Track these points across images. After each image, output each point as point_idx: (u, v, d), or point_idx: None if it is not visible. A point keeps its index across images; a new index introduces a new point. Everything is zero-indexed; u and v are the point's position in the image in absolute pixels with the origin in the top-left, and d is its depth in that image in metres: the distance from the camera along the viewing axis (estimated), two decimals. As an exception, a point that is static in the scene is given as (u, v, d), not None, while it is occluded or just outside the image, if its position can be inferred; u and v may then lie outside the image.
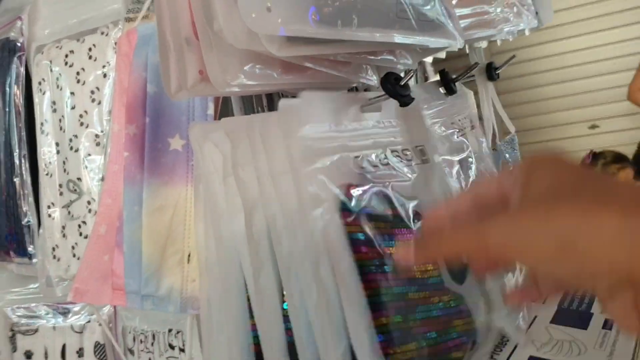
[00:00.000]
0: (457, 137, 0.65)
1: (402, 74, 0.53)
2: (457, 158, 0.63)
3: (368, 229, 0.50)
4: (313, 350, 0.48)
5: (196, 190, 0.53)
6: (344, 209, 0.49)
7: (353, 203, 0.50)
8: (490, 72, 0.84)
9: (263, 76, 0.47)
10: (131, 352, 0.79)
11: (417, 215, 0.56)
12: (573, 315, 0.70)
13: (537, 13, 0.71)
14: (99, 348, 0.83)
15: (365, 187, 0.52)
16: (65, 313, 0.85)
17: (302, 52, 0.45)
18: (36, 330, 0.86)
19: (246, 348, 0.51)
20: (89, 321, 0.84)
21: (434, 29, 0.53)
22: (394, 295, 0.51)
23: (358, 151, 0.53)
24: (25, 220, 0.75)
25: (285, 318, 0.50)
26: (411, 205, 0.56)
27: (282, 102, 0.49)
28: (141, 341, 0.77)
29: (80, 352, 0.83)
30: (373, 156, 0.54)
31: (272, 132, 0.48)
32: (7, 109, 0.76)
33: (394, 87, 0.53)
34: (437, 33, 0.53)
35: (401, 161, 0.57)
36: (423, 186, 0.59)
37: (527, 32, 0.71)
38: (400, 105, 0.54)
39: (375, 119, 0.56)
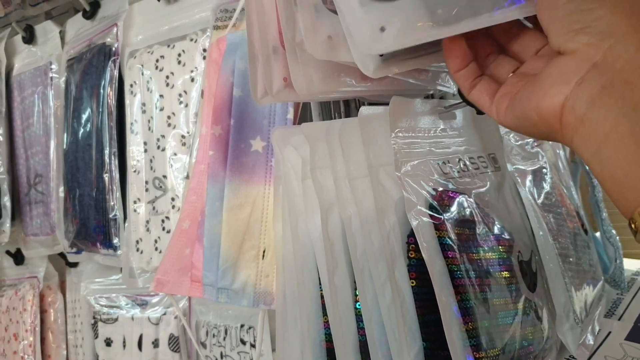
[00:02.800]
0: (532, 148, 0.65)
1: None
2: (530, 168, 0.63)
3: (454, 234, 0.51)
4: (385, 351, 0.49)
5: (276, 190, 0.55)
6: (433, 213, 0.50)
7: (441, 208, 0.51)
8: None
9: (342, 84, 0.49)
10: (204, 345, 0.82)
11: (497, 223, 0.57)
12: (649, 334, 0.68)
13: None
14: (173, 340, 0.87)
15: (452, 193, 0.53)
16: (143, 305, 0.90)
17: (394, 71, 0.47)
18: (116, 320, 0.90)
19: (318, 344, 0.53)
20: (164, 314, 0.88)
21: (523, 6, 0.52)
22: (481, 301, 0.52)
23: (441, 157, 0.54)
24: (113, 214, 0.79)
25: (358, 317, 0.52)
26: (492, 214, 0.56)
27: (363, 110, 0.51)
28: (214, 335, 0.80)
29: (155, 343, 0.87)
30: (455, 163, 0.55)
31: (351, 138, 0.50)
32: (100, 109, 0.81)
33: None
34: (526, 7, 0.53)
35: (477, 168, 0.58)
36: (496, 193, 0.59)
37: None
38: (477, 114, 0.55)
39: (452, 126, 0.57)
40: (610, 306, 0.78)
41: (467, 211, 0.53)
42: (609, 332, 0.68)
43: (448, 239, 0.50)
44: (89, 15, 0.89)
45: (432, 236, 0.48)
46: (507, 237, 0.56)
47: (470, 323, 0.49)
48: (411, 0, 0.43)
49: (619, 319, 0.74)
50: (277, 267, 0.54)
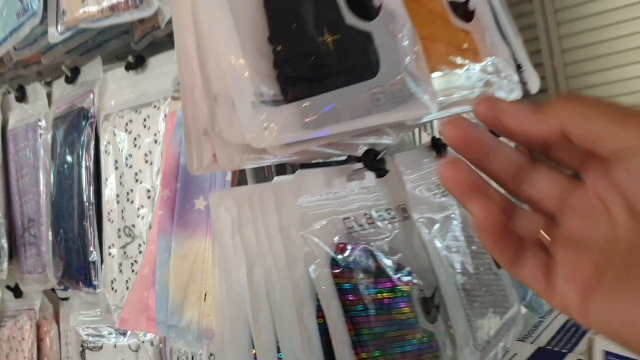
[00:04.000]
0: (440, 198, 0.76)
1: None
2: (439, 216, 0.74)
3: (354, 280, 0.63)
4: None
5: (213, 244, 0.66)
6: (334, 264, 0.62)
7: (342, 258, 0.62)
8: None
9: (263, 159, 0.60)
10: (175, 370, 0.93)
11: (399, 266, 0.68)
12: (551, 354, 0.79)
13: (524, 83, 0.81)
14: (151, 365, 0.98)
15: (353, 245, 0.64)
16: (124, 334, 1.01)
17: (294, 150, 0.58)
18: (101, 347, 1.02)
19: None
20: (143, 342, 0.99)
21: (406, 104, 0.64)
22: (375, 334, 0.63)
23: (346, 214, 0.65)
24: (92, 257, 0.91)
25: (279, 352, 0.62)
26: (394, 258, 0.67)
27: (276, 178, 0.63)
28: (184, 360, 0.91)
29: (135, 368, 0.99)
30: (359, 217, 0.66)
31: (267, 202, 0.62)
32: (79, 165, 0.93)
33: (372, 162, 0.65)
34: (409, 107, 0.64)
35: (384, 219, 0.69)
36: (404, 240, 0.70)
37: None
38: (377, 177, 0.66)
39: (361, 185, 0.68)
40: (528, 330, 0.89)
41: (367, 259, 0.64)
42: (514, 354, 0.78)
43: (347, 285, 0.61)
44: (71, 80, 1.01)
45: (330, 283, 0.60)
46: (409, 278, 0.67)
47: (362, 353, 0.59)
48: (288, 106, 0.55)
49: (532, 342, 0.84)
50: (215, 309, 0.65)
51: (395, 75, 0.63)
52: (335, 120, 0.59)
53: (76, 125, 0.96)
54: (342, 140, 0.64)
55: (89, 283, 0.92)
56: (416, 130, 1.01)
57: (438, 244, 0.72)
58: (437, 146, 0.80)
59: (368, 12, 0.64)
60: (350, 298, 0.61)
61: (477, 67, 0.75)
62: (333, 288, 0.60)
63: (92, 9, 0.82)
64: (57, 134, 1.01)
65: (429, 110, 0.65)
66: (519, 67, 0.83)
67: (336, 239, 0.62)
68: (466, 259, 0.76)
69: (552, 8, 5.00)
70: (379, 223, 0.68)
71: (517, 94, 0.79)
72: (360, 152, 0.66)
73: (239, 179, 0.72)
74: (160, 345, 0.97)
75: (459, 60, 0.74)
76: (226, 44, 0.57)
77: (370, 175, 0.69)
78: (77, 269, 0.93)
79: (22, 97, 1.14)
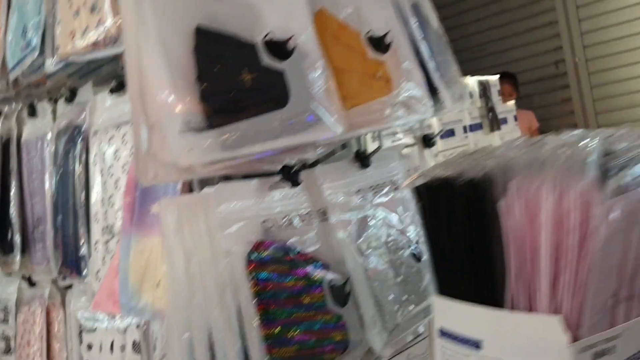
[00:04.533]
0: (358, 201, 0.90)
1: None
2: (355, 217, 0.89)
3: (268, 270, 0.78)
4: (221, 348, 0.76)
5: (162, 241, 0.82)
6: (250, 258, 0.77)
7: (257, 254, 0.78)
8: (427, 142, 1.08)
9: (193, 174, 0.76)
10: (154, 348, 1.10)
11: (313, 259, 0.83)
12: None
13: (439, 101, 0.95)
14: (136, 345, 1.15)
15: (269, 242, 0.79)
16: (114, 317, 1.18)
17: (218, 167, 0.74)
18: (95, 329, 1.19)
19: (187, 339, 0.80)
20: (129, 325, 1.16)
21: (312, 128, 0.78)
22: (283, 313, 0.78)
23: (265, 217, 0.81)
24: (82, 251, 1.08)
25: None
26: (308, 253, 0.82)
27: (204, 190, 0.78)
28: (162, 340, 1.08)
29: (122, 348, 1.16)
30: (279, 219, 0.82)
31: (198, 208, 0.77)
32: (74, 174, 1.10)
33: (287, 175, 0.80)
34: (315, 130, 0.78)
35: (304, 221, 0.84)
36: (322, 238, 0.85)
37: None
38: (292, 186, 0.81)
39: (284, 193, 0.83)
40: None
41: (281, 253, 0.79)
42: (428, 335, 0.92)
43: (262, 274, 0.76)
44: (69, 100, 1.19)
45: (242, 273, 0.75)
46: (320, 269, 0.82)
47: (267, 330, 0.75)
48: (210, 133, 0.70)
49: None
50: (165, 293, 0.81)
51: (303, 104, 0.78)
52: (249, 143, 0.74)
53: (73, 138, 1.14)
54: (269, 156, 0.79)
55: (80, 273, 1.09)
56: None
57: (351, 242, 0.86)
58: (361, 159, 0.94)
59: (283, 53, 0.79)
60: (263, 285, 0.77)
61: (390, 92, 0.89)
62: (244, 277, 0.75)
63: (79, 45, 0.99)
64: (59, 146, 1.19)
65: (335, 132, 0.80)
66: (435, 90, 0.96)
67: (253, 237, 0.78)
68: (381, 253, 0.90)
69: (574, 4, 5.03)
70: (297, 224, 0.83)
71: (429, 113, 0.93)
72: (278, 167, 0.81)
73: (190, 188, 0.88)
74: (144, 327, 1.13)
75: (372, 87, 0.88)
76: (161, 82, 0.73)
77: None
78: (71, 261, 1.11)
79: (33, 113, 1.32)
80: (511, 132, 3.13)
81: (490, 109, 2.96)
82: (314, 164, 0.88)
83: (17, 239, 1.30)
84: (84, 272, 1.08)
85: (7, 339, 1.46)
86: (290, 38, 0.80)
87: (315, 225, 0.85)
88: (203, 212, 0.77)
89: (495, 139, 2.98)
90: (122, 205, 0.87)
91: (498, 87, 3.13)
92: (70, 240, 1.11)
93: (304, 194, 0.85)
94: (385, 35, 0.92)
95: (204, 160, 0.72)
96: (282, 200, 0.83)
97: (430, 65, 0.97)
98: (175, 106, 0.72)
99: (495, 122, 2.97)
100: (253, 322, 0.75)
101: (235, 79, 0.75)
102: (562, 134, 0.66)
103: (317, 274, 0.81)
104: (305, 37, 0.81)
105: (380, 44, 0.91)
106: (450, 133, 2.70)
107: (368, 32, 0.91)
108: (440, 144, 2.64)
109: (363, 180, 0.93)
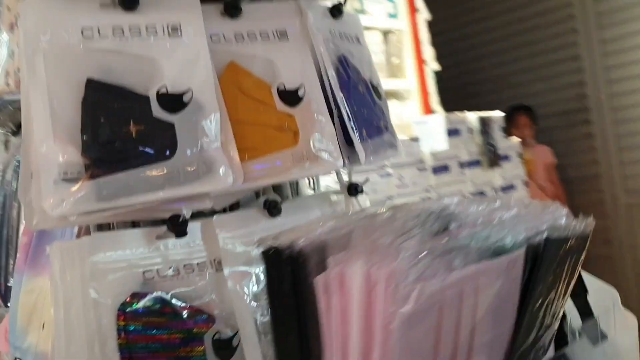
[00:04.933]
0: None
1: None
2: (253, 270, 0.88)
3: (140, 322, 0.78)
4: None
5: (50, 284, 0.83)
6: (121, 310, 0.78)
7: (130, 305, 0.78)
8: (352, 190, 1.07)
9: (75, 222, 0.77)
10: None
11: (198, 312, 0.83)
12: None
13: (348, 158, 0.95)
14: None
15: (145, 294, 0.79)
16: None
17: (94, 217, 0.75)
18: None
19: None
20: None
21: (201, 180, 0.79)
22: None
23: (148, 267, 0.81)
24: (9, 282, 1.10)
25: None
26: (192, 305, 0.83)
27: (82, 238, 0.79)
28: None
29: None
30: (163, 270, 0.82)
31: (76, 255, 0.78)
32: (6, 209, 1.13)
33: (174, 226, 0.81)
34: (204, 182, 0.79)
35: (193, 271, 0.84)
36: (215, 289, 0.85)
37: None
38: (176, 237, 0.82)
39: (170, 243, 0.83)
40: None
41: (159, 305, 0.79)
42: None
43: (132, 327, 0.77)
44: (16, 133, 1.22)
45: (111, 325, 0.75)
46: (206, 321, 0.82)
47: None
48: (87, 183, 0.71)
49: None
50: (51, 336, 0.83)
51: (191, 156, 0.79)
52: (127, 194, 0.75)
53: (14, 172, 1.17)
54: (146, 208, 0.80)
55: (6, 304, 1.11)
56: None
57: (244, 294, 0.86)
58: (269, 208, 0.94)
59: (176, 106, 0.80)
60: (133, 337, 0.77)
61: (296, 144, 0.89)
62: (111, 329, 0.76)
63: (11, 84, 1.02)
64: (5, 178, 1.22)
65: (226, 183, 0.80)
66: (350, 143, 0.96)
67: (129, 288, 0.78)
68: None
69: (598, 39, 4.94)
70: (185, 275, 0.83)
71: (338, 166, 0.93)
72: (167, 215, 0.82)
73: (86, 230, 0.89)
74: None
75: (276, 139, 0.89)
76: (44, 132, 0.74)
77: (192, 232, 0.84)
78: (2, 291, 1.13)
79: (-8, 144, 1.36)
80: (513, 169, 3.09)
81: (491, 146, 2.93)
82: (214, 212, 0.89)
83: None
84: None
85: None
86: (185, 91, 0.80)
87: (208, 276, 0.85)
88: (79, 260, 0.78)
89: (494, 176, 2.94)
90: (19, 246, 0.89)
91: (501, 124, 3.10)
92: (2, 271, 1.14)
93: (201, 243, 0.86)
94: (297, 88, 0.92)
95: (76, 211, 0.73)
96: (173, 250, 0.84)
97: (348, 118, 0.97)
98: (53, 156, 0.73)
99: (495, 159, 2.94)
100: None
101: (121, 130, 0.77)
102: (405, 206, 0.65)
103: (200, 327, 0.81)
104: (202, 91, 0.82)
105: (290, 97, 0.91)
106: (444, 169, 2.68)
107: (280, 85, 0.91)
108: (432, 179, 2.62)
109: (270, 229, 0.93)
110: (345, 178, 1.11)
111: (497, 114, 3.08)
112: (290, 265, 0.60)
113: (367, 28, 3.30)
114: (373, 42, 3.27)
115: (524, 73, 5.09)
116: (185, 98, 0.81)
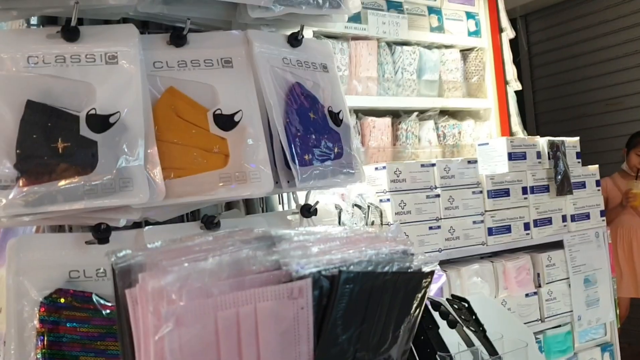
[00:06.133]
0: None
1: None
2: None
3: (61, 315, 0.89)
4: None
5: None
6: (43, 302, 0.88)
7: (51, 300, 0.89)
8: (304, 212, 1.12)
9: (4, 224, 0.89)
10: None
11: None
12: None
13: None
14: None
15: (70, 291, 0.90)
16: None
17: (24, 220, 0.87)
18: None
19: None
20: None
21: (117, 194, 0.88)
22: (70, 356, 0.88)
23: (75, 267, 0.91)
24: None
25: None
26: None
27: (22, 237, 0.91)
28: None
29: None
30: (89, 270, 0.92)
31: (10, 253, 0.90)
32: None
33: (97, 233, 0.91)
34: (120, 196, 0.88)
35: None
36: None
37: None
38: (99, 243, 0.91)
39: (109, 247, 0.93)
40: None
41: (81, 302, 0.89)
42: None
43: (52, 318, 0.87)
44: None
45: (31, 315, 0.86)
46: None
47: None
48: (17, 190, 0.83)
49: None
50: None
51: (108, 172, 0.88)
52: (49, 203, 0.86)
53: None
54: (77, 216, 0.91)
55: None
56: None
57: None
58: (206, 223, 1.01)
59: (102, 126, 0.90)
60: (50, 327, 0.87)
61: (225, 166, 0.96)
62: (36, 319, 0.86)
63: None
64: None
65: (143, 199, 0.89)
66: (287, 166, 1.01)
67: (53, 284, 0.89)
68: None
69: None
70: (110, 277, 0.93)
71: (267, 189, 0.98)
72: (93, 223, 0.92)
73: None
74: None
75: (205, 160, 0.96)
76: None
77: (116, 238, 0.94)
78: None
79: None
80: (588, 197, 2.92)
81: (562, 172, 2.80)
82: (148, 223, 0.98)
83: None
84: None
85: None
86: (113, 113, 0.90)
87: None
88: (16, 256, 0.90)
89: (565, 203, 2.81)
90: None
91: (577, 149, 2.94)
92: None
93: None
94: (234, 114, 0.99)
95: (7, 214, 0.85)
96: (101, 255, 0.93)
97: (288, 144, 1.02)
98: (-12, 166, 0.86)
99: (566, 186, 2.80)
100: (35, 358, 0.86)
101: (49, 146, 0.88)
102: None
103: (117, 324, 0.90)
104: (130, 113, 0.91)
105: (226, 121, 0.98)
106: (503, 193, 2.60)
107: (216, 109, 0.98)
108: (488, 203, 2.56)
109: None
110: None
111: (573, 139, 2.93)
112: (117, 276, 0.67)
113: (446, 46, 3.28)
114: (450, 60, 3.23)
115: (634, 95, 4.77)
116: (112, 119, 0.90)
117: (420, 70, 3.14)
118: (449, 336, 0.79)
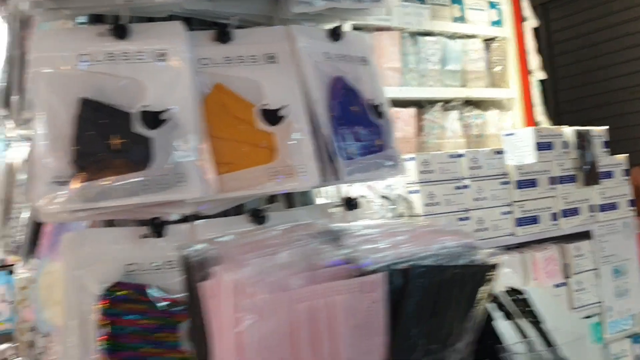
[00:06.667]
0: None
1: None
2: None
3: (120, 308, 0.91)
4: None
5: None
6: (104, 295, 0.90)
7: (110, 292, 0.91)
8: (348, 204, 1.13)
9: (64, 219, 0.91)
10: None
11: (177, 303, 0.93)
12: None
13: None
14: None
15: (127, 284, 0.92)
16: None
17: (82, 216, 0.89)
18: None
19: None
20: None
21: (172, 189, 0.89)
22: (127, 347, 0.90)
23: (132, 260, 0.93)
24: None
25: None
26: (172, 297, 0.94)
27: (80, 232, 0.93)
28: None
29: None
30: (146, 264, 0.94)
31: (70, 246, 0.92)
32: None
33: (153, 227, 0.92)
34: (175, 191, 0.90)
35: (173, 268, 0.95)
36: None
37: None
38: (155, 237, 0.93)
39: (160, 241, 0.94)
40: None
41: (138, 295, 0.91)
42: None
43: (112, 310, 0.89)
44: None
45: (92, 307, 0.88)
46: (182, 312, 0.92)
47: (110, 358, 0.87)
48: (75, 187, 0.85)
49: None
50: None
51: (162, 168, 0.90)
52: (107, 198, 0.88)
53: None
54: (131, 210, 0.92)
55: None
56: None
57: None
58: (257, 217, 1.03)
59: (154, 122, 0.91)
60: (111, 320, 0.89)
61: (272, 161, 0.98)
62: (96, 311, 0.88)
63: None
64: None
65: (197, 194, 0.91)
66: (330, 159, 1.02)
67: (113, 278, 0.91)
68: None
69: None
70: (165, 270, 0.94)
71: (313, 183, 0.99)
72: (149, 217, 0.94)
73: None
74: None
75: (253, 155, 0.97)
76: (41, 142, 0.89)
77: (172, 233, 0.96)
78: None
79: None
80: (616, 187, 2.91)
81: (589, 161, 2.79)
82: (197, 217, 0.99)
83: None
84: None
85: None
86: (165, 110, 0.92)
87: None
88: (75, 250, 0.92)
89: (592, 193, 2.79)
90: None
91: (605, 138, 2.92)
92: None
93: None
94: (278, 108, 1.00)
95: (65, 209, 0.87)
96: (157, 247, 0.95)
97: (332, 137, 1.02)
98: (47, 162, 0.88)
99: (593, 176, 2.78)
100: (90, 351, 0.88)
101: (104, 142, 0.89)
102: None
103: (176, 317, 0.92)
104: (182, 109, 0.93)
105: (271, 116, 1.00)
106: (530, 183, 2.59)
107: (262, 105, 1.00)
108: (516, 194, 2.55)
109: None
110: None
111: (600, 129, 2.91)
112: (190, 269, 0.68)
113: (468, 36, 3.27)
114: (473, 50, 3.22)
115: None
116: (164, 116, 0.92)
117: (444, 61, 3.14)
118: (505, 328, 0.80)
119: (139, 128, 0.91)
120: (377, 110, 1.14)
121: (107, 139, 0.90)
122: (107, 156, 0.89)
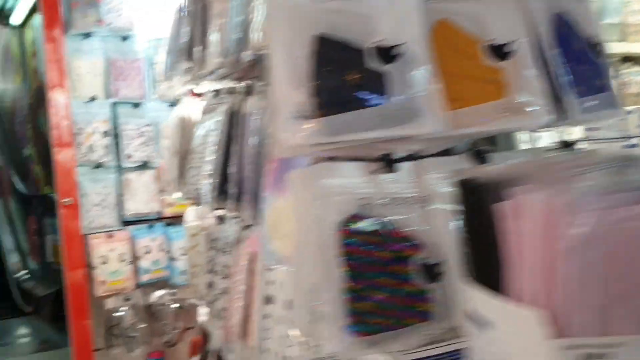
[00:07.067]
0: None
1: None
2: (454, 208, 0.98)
3: (357, 238, 0.93)
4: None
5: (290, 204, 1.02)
6: (342, 226, 0.93)
7: (351, 223, 0.93)
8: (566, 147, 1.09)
9: (305, 152, 0.94)
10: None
11: (408, 237, 0.95)
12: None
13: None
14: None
15: (364, 216, 0.94)
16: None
17: (317, 150, 0.92)
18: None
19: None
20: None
21: (408, 124, 0.90)
22: (368, 275, 0.93)
23: (364, 195, 0.95)
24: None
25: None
26: (404, 231, 0.95)
27: (314, 166, 0.96)
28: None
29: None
30: (377, 198, 0.95)
31: (307, 181, 0.95)
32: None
33: (385, 162, 0.94)
34: (411, 126, 0.90)
35: (402, 203, 0.96)
36: (422, 222, 0.96)
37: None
38: (387, 172, 0.94)
39: (388, 177, 0.95)
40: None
41: (374, 227, 0.93)
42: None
43: (351, 240, 0.92)
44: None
45: (332, 237, 0.91)
46: (415, 247, 0.94)
47: (350, 285, 0.90)
48: (316, 120, 0.87)
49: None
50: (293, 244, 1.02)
51: (401, 103, 0.90)
52: (348, 132, 0.90)
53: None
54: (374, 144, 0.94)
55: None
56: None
57: (449, 229, 0.95)
58: (479, 156, 1.02)
59: (389, 57, 0.92)
60: (350, 249, 0.92)
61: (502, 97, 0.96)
62: (333, 240, 0.91)
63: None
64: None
65: (431, 129, 0.91)
66: (557, 99, 0.99)
67: (348, 210, 0.93)
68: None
69: None
70: (395, 206, 0.96)
71: (542, 121, 0.97)
72: (378, 155, 0.95)
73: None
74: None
75: (482, 91, 0.96)
76: (282, 78, 0.92)
77: (405, 170, 0.97)
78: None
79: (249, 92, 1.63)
80: None
81: None
82: (424, 155, 0.99)
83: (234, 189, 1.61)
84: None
85: (227, 267, 1.82)
86: (398, 45, 0.92)
87: (415, 209, 0.96)
88: (309, 184, 0.95)
89: None
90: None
91: None
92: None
93: (410, 179, 0.98)
94: (506, 43, 0.97)
95: (308, 142, 0.89)
96: (386, 183, 0.96)
97: (560, 74, 0.99)
98: (288, 98, 0.91)
99: None
100: (337, 277, 0.91)
101: (341, 78, 0.91)
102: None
103: (409, 250, 0.94)
104: (415, 44, 0.93)
105: (499, 52, 0.97)
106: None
107: (489, 40, 0.98)
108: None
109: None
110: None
111: None
112: (479, 193, 0.68)
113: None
114: (634, 0, 3.01)
115: None
116: (397, 51, 0.92)
117: (601, 13, 2.95)
118: None
119: (374, 63, 0.92)
120: (596, 48, 1.09)
121: (343, 74, 0.92)
122: (345, 91, 0.91)
